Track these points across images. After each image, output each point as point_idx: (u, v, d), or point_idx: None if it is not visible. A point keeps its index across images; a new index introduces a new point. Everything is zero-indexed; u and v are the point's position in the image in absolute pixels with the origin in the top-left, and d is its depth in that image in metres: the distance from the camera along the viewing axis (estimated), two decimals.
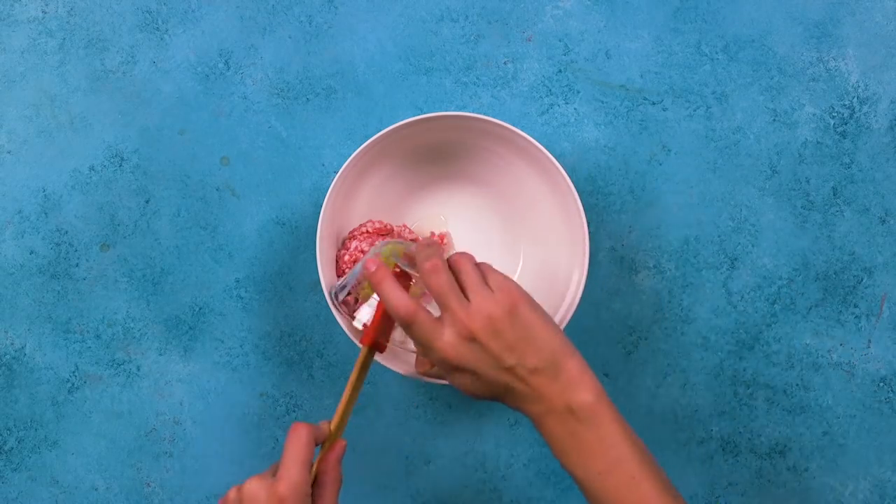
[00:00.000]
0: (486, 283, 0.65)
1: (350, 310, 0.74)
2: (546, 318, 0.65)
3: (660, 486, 0.63)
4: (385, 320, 0.70)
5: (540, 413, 0.64)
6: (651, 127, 0.86)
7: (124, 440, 0.85)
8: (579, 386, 0.64)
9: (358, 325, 0.74)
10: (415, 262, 0.68)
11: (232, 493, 0.66)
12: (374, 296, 0.73)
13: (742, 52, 0.87)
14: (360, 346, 0.70)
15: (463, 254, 0.67)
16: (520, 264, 0.85)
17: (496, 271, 0.67)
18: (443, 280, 0.65)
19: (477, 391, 0.65)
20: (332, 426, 0.68)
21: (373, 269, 0.67)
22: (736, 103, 0.87)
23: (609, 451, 0.63)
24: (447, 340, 0.64)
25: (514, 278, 0.85)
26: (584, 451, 0.63)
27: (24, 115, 0.87)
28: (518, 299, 0.65)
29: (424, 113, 0.84)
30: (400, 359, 0.79)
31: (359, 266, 0.73)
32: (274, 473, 0.65)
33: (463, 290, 0.65)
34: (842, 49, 0.87)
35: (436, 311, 0.66)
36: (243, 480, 0.65)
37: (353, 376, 0.69)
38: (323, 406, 0.85)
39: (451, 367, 0.64)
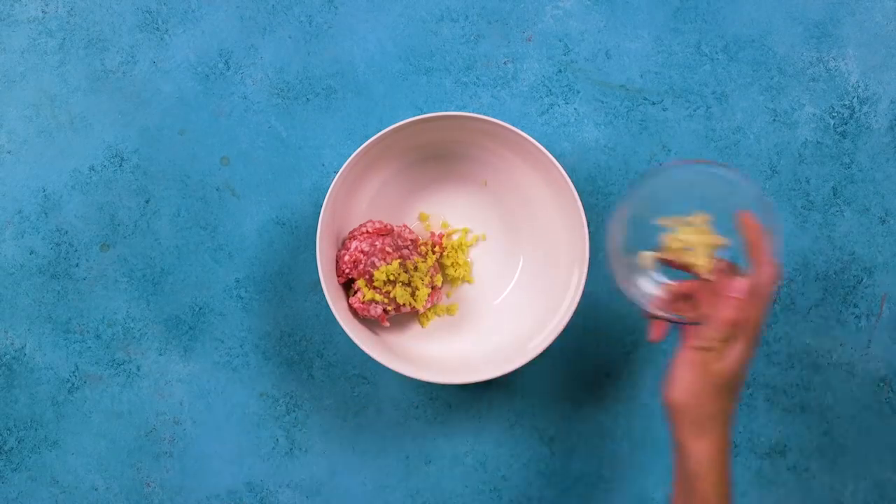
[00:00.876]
0: None
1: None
2: None
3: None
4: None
5: (720, 440, 0.67)
6: (651, 127, 0.86)
7: (124, 440, 0.85)
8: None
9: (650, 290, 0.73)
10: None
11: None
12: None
13: (742, 52, 0.87)
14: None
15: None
16: (520, 264, 0.85)
17: None
18: (769, 291, 0.67)
19: (745, 368, 0.67)
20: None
21: (752, 222, 0.67)
22: (736, 103, 0.87)
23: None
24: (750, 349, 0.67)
25: (514, 278, 0.85)
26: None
27: (24, 115, 0.87)
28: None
29: (424, 113, 0.84)
30: (401, 360, 0.80)
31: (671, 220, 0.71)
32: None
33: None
34: (842, 49, 0.87)
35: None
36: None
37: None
38: (323, 406, 0.85)
39: (758, 339, 0.67)
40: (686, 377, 0.66)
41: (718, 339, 0.66)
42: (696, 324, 0.68)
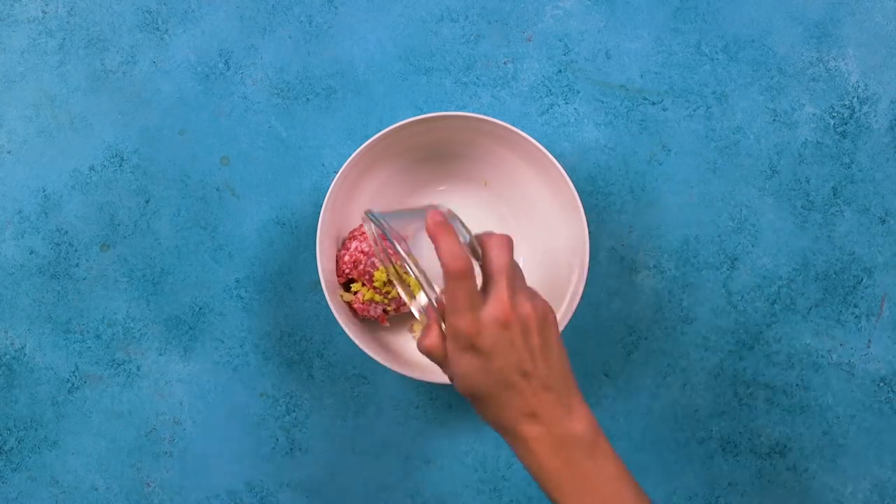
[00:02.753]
0: (531, 290, 0.64)
1: (382, 237, 0.70)
2: (563, 345, 0.64)
3: None
4: None
5: (534, 436, 0.61)
6: (651, 127, 0.87)
7: (124, 440, 0.85)
8: (581, 415, 0.62)
9: (415, 310, 0.71)
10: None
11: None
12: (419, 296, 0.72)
13: (742, 52, 0.87)
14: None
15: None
16: (520, 264, 0.85)
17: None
18: (507, 258, 0.62)
19: (478, 383, 0.61)
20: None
21: (438, 217, 0.62)
22: (736, 103, 0.87)
23: (606, 484, 0.61)
24: (482, 314, 0.61)
25: None
26: (580, 482, 0.61)
27: (24, 115, 0.87)
28: (551, 314, 0.63)
29: (424, 113, 0.84)
30: (401, 360, 0.80)
31: (409, 211, 0.69)
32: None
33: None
34: (842, 49, 0.87)
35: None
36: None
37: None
38: (323, 406, 0.85)
39: (468, 345, 0.60)
40: (464, 364, 0.62)
41: (437, 364, 0.64)
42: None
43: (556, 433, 0.61)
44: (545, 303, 0.64)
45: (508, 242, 0.63)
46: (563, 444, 0.61)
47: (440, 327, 0.63)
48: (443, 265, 0.61)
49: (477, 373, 0.61)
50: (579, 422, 0.62)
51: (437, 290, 0.64)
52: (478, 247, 0.65)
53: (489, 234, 0.64)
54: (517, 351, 0.61)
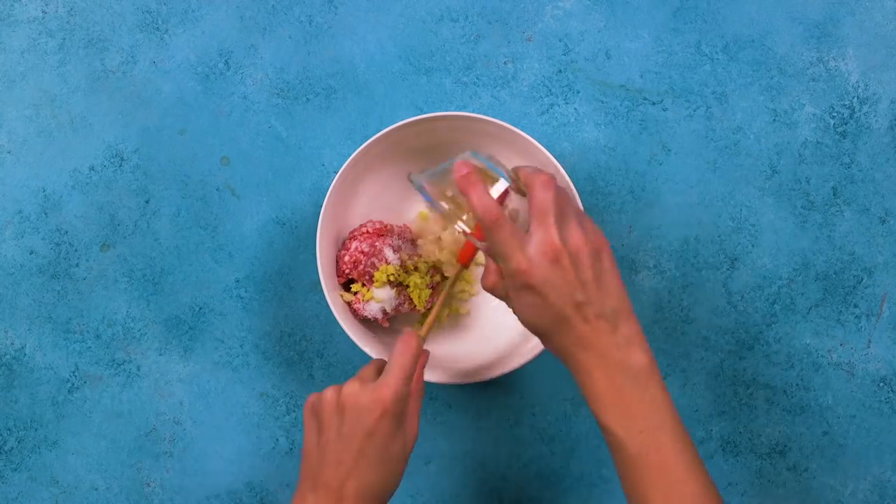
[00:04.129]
0: (582, 221, 0.65)
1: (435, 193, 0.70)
2: (619, 274, 0.66)
3: (694, 456, 0.63)
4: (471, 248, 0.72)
5: (590, 362, 0.63)
6: (651, 127, 0.87)
7: (124, 440, 0.85)
8: (636, 345, 0.64)
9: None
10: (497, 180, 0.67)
11: (329, 394, 0.67)
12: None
13: (742, 52, 0.87)
14: (458, 264, 0.77)
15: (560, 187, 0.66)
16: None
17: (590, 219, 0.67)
18: (550, 196, 0.63)
19: (537, 318, 0.64)
20: (422, 335, 0.69)
21: (464, 171, 0.65)
22: (736, 103, 0.87)
23: (654, 413, 0.63)
24: (530, 253, 0.62)
25: None
26: (629, 408, 0.63)
27: (24, 115, 0.87)
28: (605, 245, 0.65)
29: (424, 113, 0.84)
30: None
31: (447, 163, 0.69)
32: (368, 379, 0.67)
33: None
34: (842, 49, 0.87)
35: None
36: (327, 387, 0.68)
37: (445, 292, 0.73)
38: None
39: (523, 284, 0.63)
40: (524, 302, 0.65)
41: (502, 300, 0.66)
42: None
43: (609, 361, 0.63)
44: (598, 232, 0.65)
45: (550, 179, 0.65)
46: (615, 371, 0.63)
47: (497, 266, 0.66)
48: (477, 217, 0.63)
49: (534, 308, 0.64)
50: (634, 353, 0.64)
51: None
52: (522, 185, 0.67)
53: (532, 173, 0.66)
54: (569, 283, 0.63)
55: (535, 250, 0.62)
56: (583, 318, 0.63)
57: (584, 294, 0.63)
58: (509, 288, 0.64)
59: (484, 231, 0.64)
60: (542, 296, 0.63)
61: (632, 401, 0.63)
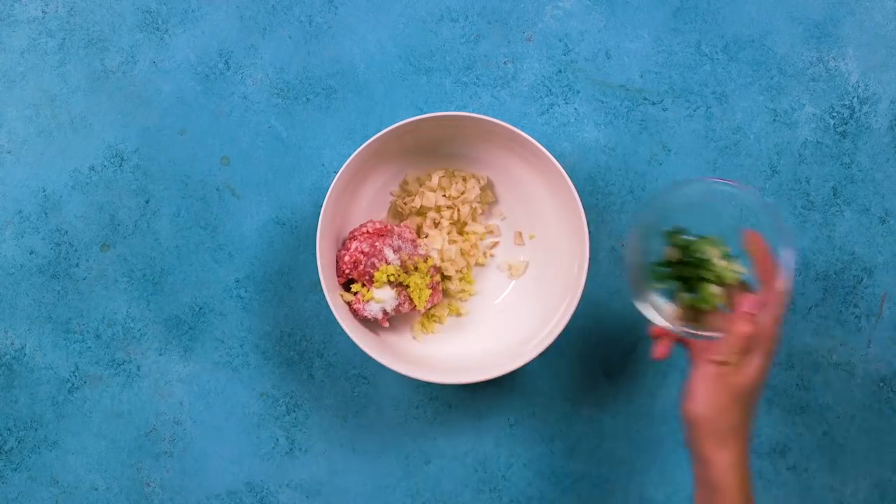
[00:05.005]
0: None
1: None
2: None
3: None
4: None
5: (741, 453, 0.68)
6: (651, 127, 0.86)
7: (124, 440, 0.85)
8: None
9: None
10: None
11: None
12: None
13: (742, 52, 0.87)
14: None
15: None
16: (521, 265, 0.85)
17: None
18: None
19: (757, 389, 0.68)
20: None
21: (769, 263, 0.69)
22: (736, 103, 0.87)
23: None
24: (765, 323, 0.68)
25: (514, 278, 0.85)
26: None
27: (24, 115, 0.87)
28: None
29: (424, 113, 0.84)
30: (401, 360, 0.79)
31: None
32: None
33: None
34: (842, 49, 0.87)
35: None
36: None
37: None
38: (323, 406, 0.85)
39: (771, 352, 0.68)
40: (707, 391, 0.68)
41: (735, 352, 0.67)
42: (710, 338, 0.69)
43: (745, 460, 0.68)
44: None
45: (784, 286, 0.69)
46: (742, 476, 0.68)
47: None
48: (779, 281, 0.68)
49: (767, 372, 0.69)
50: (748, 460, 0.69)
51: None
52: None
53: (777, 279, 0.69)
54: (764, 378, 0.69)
55: (778, 323, 0.69)
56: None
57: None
58: (764, 342, 0.68)
59: (766, 313, 0.68)
60: (772, 361, 0.69)
61: None
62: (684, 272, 0.72)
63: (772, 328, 0.67)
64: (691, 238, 0.72)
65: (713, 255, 0.71)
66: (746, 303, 0.67)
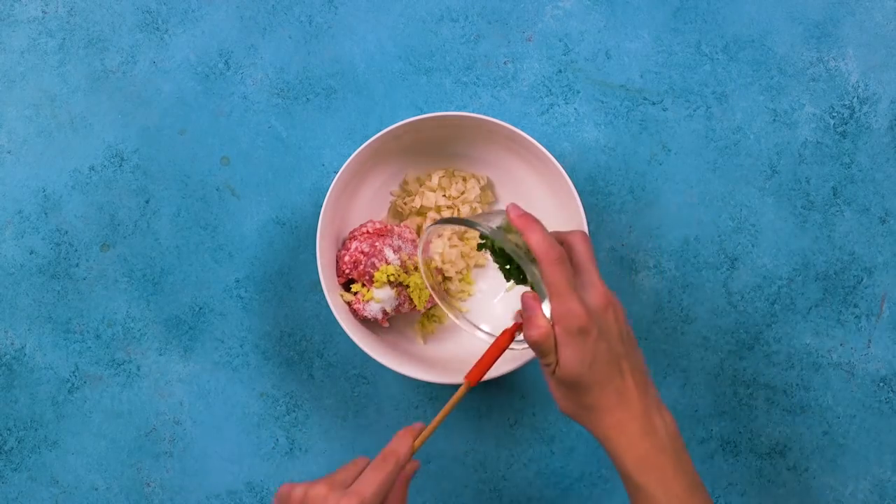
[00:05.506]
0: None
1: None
2: None
3: None
4: (490, 361, 0.68)
5: (627, 420, 0.63)
6: (651, 127, 0.87)
7: (124, 440, 0.85)
8: (663, 406, 0.65)
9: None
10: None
11: (297, 493, 0.60)
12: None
13: (742, 52, 0.87)
14: (464, 381, 0.68)
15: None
16: None
17: None
18: (592, 251, 0.65)
19: (585, 366, 0.63)
20: (416, 444, 0.65)
21: (519, 211, 0.65)
22: (736, 103, 0.87)
23: (686, 477, 0.63)
24: (586, 299, 0.63)
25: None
26: (665, 471, 0.63)
27: (24, 115, 0.87)
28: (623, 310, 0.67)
29: (424, 113, 0.84)
30: (401, 360, 0.79)
31: (494, 216, 0.69)
32: (341, 483, 0.61)
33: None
34: (842, 49, 0.87)
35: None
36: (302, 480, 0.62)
37: (448, 408, 0.67)
38: (323, 406, 0.85)
39: (578, 329, 0.62)
40: (556, 393, 0.66)
41: (541, 355, 0.64)
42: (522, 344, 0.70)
43: (646, 422, 0.63)
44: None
45: (587, 237, 0.67)
46: (652, 433, 0.63)
47: (545, 316, 0.64)
48: (537, 253, 0.63)
49: (584, 355, 0.62)
50: (665, 414, 0.65)
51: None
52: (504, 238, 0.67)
53: (568, 232, 0.67)
54: (615, 335, 0.64)
55: (589, 296, 0.63)
56: (622, 371, 0.63)
57: (623, 347, 0.64)
58: (560, 333, 0.62)
59: (543, 268, 0.63)
60: (595, 342, 0.62)
61: (667, 464, 0.63)
62: (507, 266, 0.71)
63: (557, 310, 0.62)
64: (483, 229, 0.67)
65: (513, 239, 0.67)
66: (523, 305, 0.65)
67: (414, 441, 0.64)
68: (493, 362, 0.68)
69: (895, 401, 0.85)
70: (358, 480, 0.61)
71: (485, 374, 0.68)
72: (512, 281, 0.72)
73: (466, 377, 0.68)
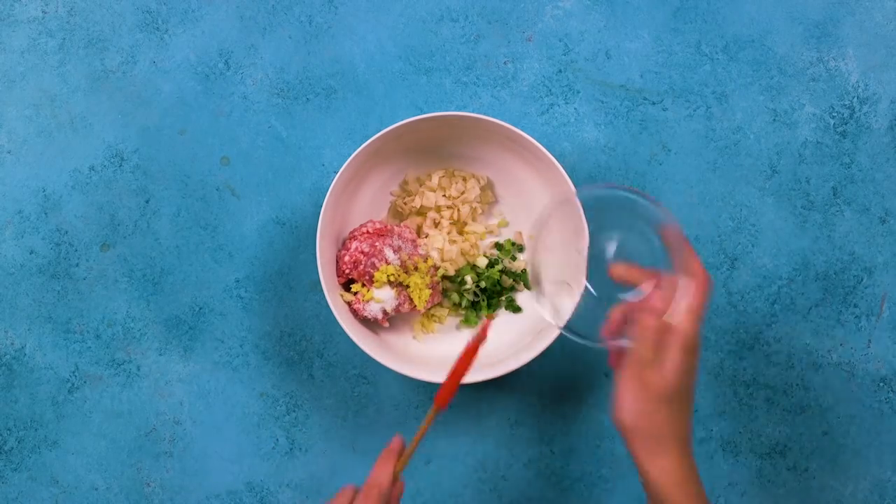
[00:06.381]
0: None
1: None
2: None
3: None
4: (456, 381, 0.70)
5: (682, 445, 0.65)
6: (651, 127, 0.87)
7: (124, 440, 0.85)
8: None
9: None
10: None
11: None
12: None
13: (742, 52, 0.87)
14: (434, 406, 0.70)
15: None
16: (520, 264, 0.85)
17: None
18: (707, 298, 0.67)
19: (689, 379, 0.65)
20: (398, 468, 0.68)
21: (678, 231, 0.66)
22: (736, 103, 0.87)
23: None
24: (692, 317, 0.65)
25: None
26: (702, 495, 0.66)
27: (24, 115, 0.87)
28: None
29: (424, 113, 0.84)
30: (401, 360, 0.79)
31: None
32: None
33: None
34: (842, 49, 0.87)
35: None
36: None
37: (424, 428, 0.69)
38: (323, 406, 0.85)
39: (693, 346, 0.64)
40: (630, 396, 0.64)
41: (646, 345, 0.64)
42: (620, 347, 0.68)
43: (684, 454, 0.66)
44: None
45: (709, 278, 0.67)
46: (687, 469, 0.65)
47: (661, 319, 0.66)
48: (696, 273, 0.65)
49: (692, 371, 0.65)
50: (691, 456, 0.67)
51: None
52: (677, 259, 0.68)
53: (698, 264, 0.67)
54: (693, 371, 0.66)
55: (695, 316, 0.65)
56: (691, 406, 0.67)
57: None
58: (681, 348, 0.64)
59: (695, 288, 0.64)
60: (695, 358, 0.65)
61: (701, 489, 0.66)
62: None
63: (689, 322, 0.64)
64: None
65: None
66: (652, 295, 0.65)
67: (395, 467, 0.67)
68: (461, 380, 0.70)
69: (895, 401, 0.85)
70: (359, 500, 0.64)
71: (453, 395, 0.70)
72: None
73: (436, 400, 0.70)
